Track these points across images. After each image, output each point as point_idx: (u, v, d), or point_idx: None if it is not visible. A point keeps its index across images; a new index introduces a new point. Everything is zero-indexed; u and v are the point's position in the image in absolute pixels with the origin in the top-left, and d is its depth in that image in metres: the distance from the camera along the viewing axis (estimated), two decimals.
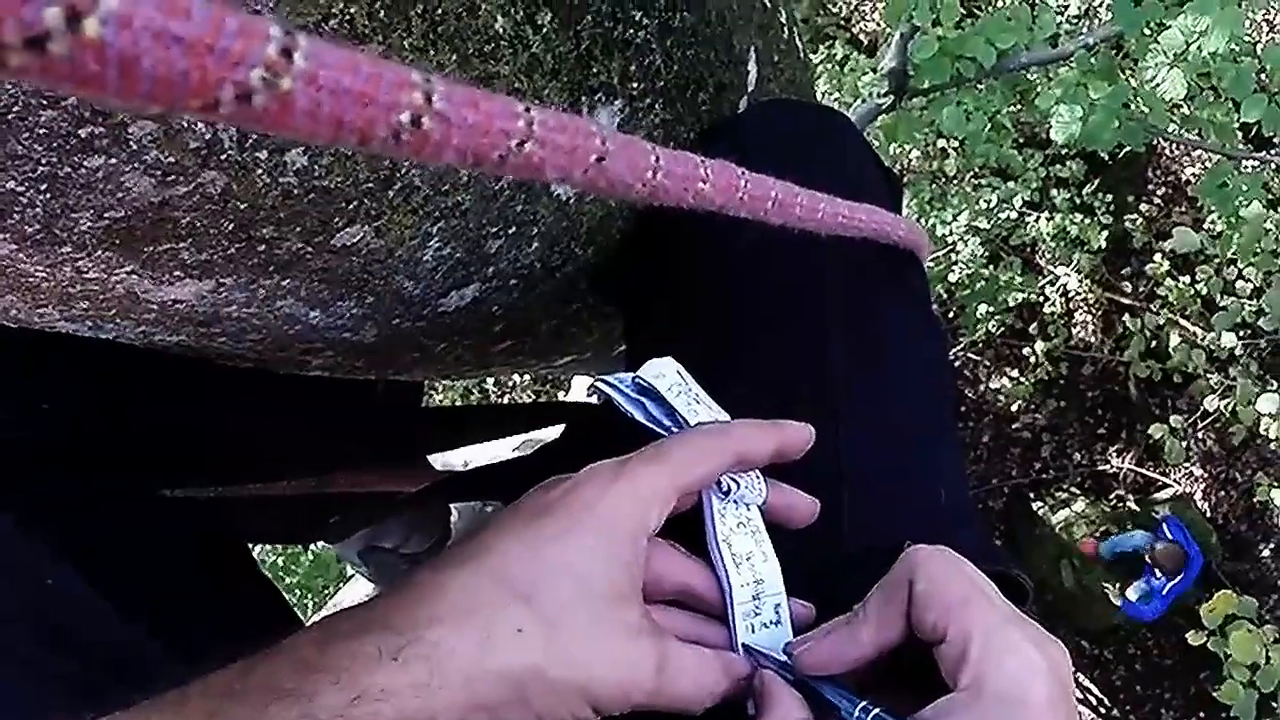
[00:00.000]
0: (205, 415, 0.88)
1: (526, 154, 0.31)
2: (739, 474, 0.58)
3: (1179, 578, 2.63)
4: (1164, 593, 2.63)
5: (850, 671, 0.54)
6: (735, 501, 0.58)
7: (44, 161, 0.45)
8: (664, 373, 0.62)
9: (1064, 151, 2.76)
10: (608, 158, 0.34)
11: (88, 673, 0.62)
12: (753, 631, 0.56)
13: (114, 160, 0.46)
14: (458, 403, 2.78)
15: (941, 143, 2.73)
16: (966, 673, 0.48)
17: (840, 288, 0.72)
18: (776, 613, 0.57)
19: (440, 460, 1.65)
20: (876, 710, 0.49)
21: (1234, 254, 2.08)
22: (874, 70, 1.88)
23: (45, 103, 0.43)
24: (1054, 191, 2.79)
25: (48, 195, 0.46)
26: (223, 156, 0.49)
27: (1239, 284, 2.58)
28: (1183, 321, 2.76)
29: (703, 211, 0.47)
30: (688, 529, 0.58)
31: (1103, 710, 2.85)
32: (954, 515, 0.70)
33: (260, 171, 0.51)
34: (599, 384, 0.63)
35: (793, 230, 0.56)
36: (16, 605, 0.64)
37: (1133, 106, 1.51)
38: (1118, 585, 2.65)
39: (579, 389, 2.03)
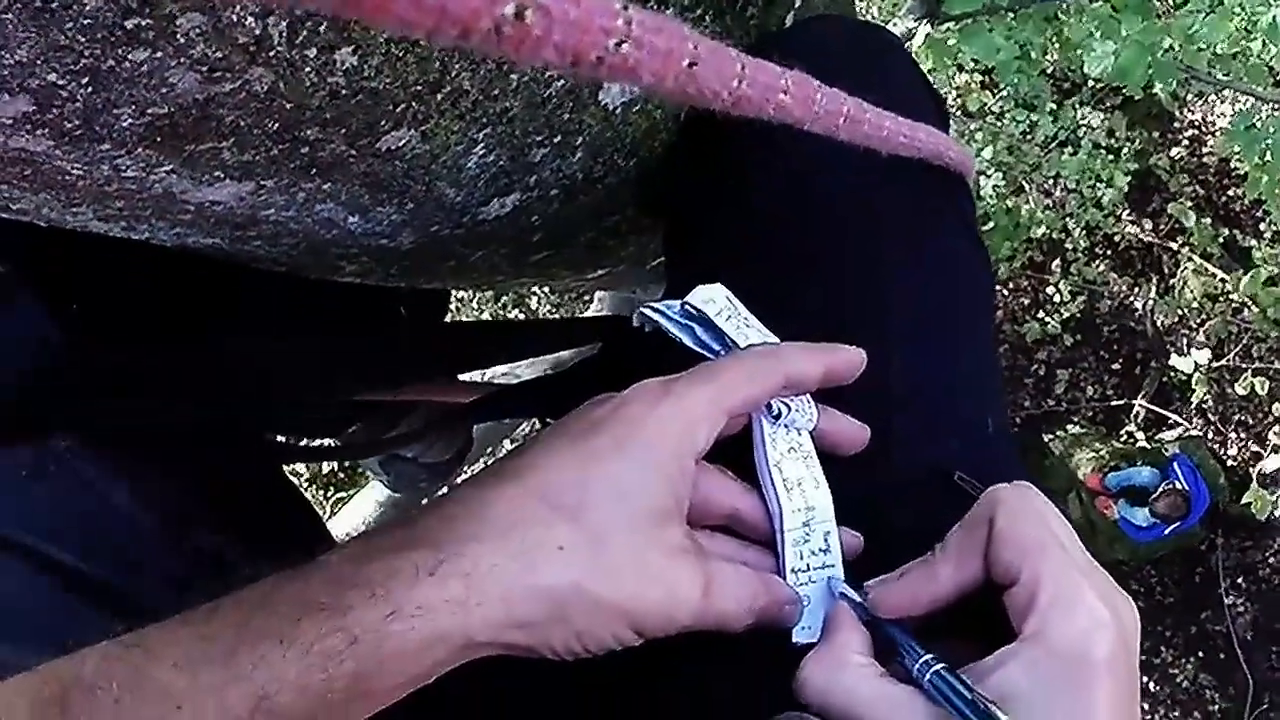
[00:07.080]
0: (231, 331, 0.87)
1: (623, 55, 0.29)
2: (790, 398, 0.57)
3: (1182, 519, 2.64)
4: (1166, 533, 2.64)
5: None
6: (786, 426, 0.57)
7: (87, 54, 0.43)
8: (713, 298, 0.61)
9: (1095, 85, 2.72)
10: (699, 63, 0.32)
11: (136, 590, 0.62)
12: (801, 559, 0.55)
13: (159, 54, 0.44)
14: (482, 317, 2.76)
15: (965, 77, 2.69)
16: (1032, 621, 0.47)
17: (893, 209, 0.70)
18: (826, 541, 0.56)
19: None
20: (938, 667, 0.47)
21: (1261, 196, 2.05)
22: None
23: None
24: (1080, 130, 2.75)
25: (89, 89, 0.45)
26: (271, 53, 0.47)
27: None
28: (1201, 261, 2.74)
29: (759, 128, 0.45)
30: (738, 457, 0.57)
31: None
32: (1000, 444, 0.69)
33: (309, 70, 0.49)
34: (646, 311, 0.62)
35: (846, 150, 0.54)
36: (71, 523, 0.63)
37: (1167, 44, 1.49)
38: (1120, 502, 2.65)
39: (601, 304, 2.01)
